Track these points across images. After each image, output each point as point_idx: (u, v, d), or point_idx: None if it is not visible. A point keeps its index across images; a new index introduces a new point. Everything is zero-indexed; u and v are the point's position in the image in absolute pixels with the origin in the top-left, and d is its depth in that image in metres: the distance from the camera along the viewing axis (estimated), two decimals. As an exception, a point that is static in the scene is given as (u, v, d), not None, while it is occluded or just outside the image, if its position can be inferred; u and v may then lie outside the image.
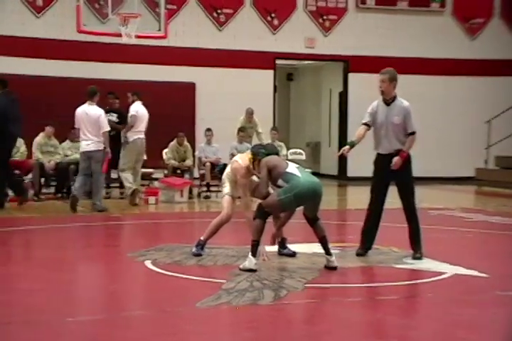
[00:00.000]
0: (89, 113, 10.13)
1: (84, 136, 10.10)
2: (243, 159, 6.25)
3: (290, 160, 6.33)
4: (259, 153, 6.05)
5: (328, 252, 5.81)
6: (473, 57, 17.20)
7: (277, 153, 6.21)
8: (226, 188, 6.37)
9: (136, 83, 14.33)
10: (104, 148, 10.11)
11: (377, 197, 6.50)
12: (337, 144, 18.25)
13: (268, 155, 6.00)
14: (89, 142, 10.04)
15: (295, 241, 6.79)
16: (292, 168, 5.80)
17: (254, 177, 6.21)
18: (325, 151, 19.02)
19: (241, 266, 5.68)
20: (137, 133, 11.10)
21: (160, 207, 11.01)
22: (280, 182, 5.77)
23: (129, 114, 11.24)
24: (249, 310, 4.51)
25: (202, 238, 6.37)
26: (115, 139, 11.34)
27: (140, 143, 11.16)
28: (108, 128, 10.31)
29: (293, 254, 6.36)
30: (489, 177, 15.15)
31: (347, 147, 6.43)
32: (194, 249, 6.34)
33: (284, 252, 6.39)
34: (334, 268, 5.75)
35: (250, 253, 5.63)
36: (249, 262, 5.62)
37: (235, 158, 6.42)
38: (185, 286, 5.23)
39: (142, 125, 11.23)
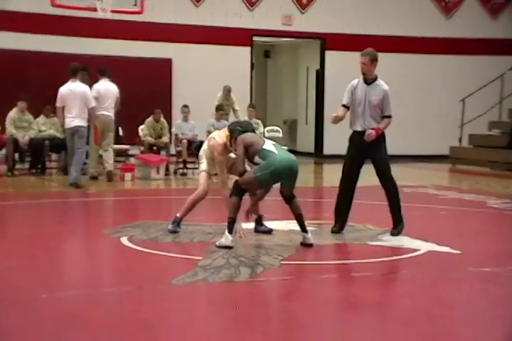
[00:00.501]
0: (75, 90, 10.09)
1: (70, 113, 10.05)
2: (220, 136, 6.21)
3: (267, 138, 6.30)
4: (235, 130, 6.01)
5: (304, 229, 5.82)
6: (449, 35, 17.21)
7: (253, 130, 6.15)
8: (203, 165, 6.34)
9: (112, 59, 14.14)
10: (89, 124, 10.16)
11: (351, 175, 6.51)
12: (313, 122, 18.25)
13: (244, 132, 5.95)
14: (74, 119, 10.01)
15: (272, 219, 6.78)
16: (269, 145, 5.77)
17: (232, 155, 6.18)
18: (302, 129, 19.01)
19: (217, 243, 5.67)
20: (101, 110, 10.91)
21: (136, 184, 10.95)
22: (257, 159, 5.74)
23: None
24: (225, 287, 4.50)
25: (178, 215, 6.34)
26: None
27: (104, 120, 10.98)
28: (94, 104, 10.25)
29: (269, 231, 6.36)
30: (463, 156, 15.25)
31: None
32: (170, 226, 6.31)
33: (260, 229, 6.39)
34: (310, 245, 5.77)
35: (227, 230, 5.62)
36: (226, 239, 5.61)
37: (212, 135, 6.38)
38: (162, 263, 5.21)
39: (107, 102, 11.07)
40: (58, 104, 10.13)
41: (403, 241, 6.12)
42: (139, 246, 5.67)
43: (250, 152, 5.79)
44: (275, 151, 5.70)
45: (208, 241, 5.89)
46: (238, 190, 5.70)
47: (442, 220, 7.74)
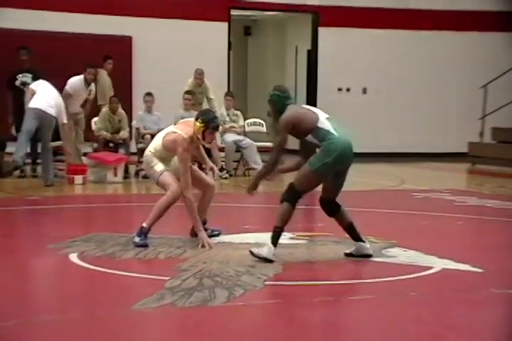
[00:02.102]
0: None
1: (47, 102, 10.61)
2: (183, 129, 6.29)
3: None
4: (274, 99, 5.81)
5: (359, 238, 5.94)
6: (464, 8, 17.33)
7: (292, 97, 5.96)
8: (158, 166, 6.40)
9: (57, 35, 14.11)
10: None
11: None
12: (304, 113, 18.27)
13: (285, 101, 5.77)
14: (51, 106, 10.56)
15: (253, 230, 6.80)
16: (324, 122, 5.68)
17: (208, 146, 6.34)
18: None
19: (255, 251, 5.74)
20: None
21: (89, 188, 10.92)
22: (310, 137, 5.68)
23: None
24: (197, 313, 4.50)
25: (145, 224, 6.35)
26: None
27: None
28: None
29: (217, 235, 6.62)
30: (484, 154, 15.34)
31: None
32: (137, 239, 6.31)
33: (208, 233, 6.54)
34: (369, 256, 5.92)
35: (270, 241, 5.68)
36: (268, 251, 5.67)
37: (169, 129, 6.42)
38: (120, 285, 5.20)
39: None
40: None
41: (413, 257, 6.15)
42: (91, 264, 5.65)
43: (300, 131, 5.69)
44: (333, 131, 5.65)
45: (176, 258, 5.89)
46: (292, 195, 5.69)
47: (460, 232, 7.79)
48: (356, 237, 6.00)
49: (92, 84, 12.06)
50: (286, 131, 5.68)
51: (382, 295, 5.02)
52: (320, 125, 5.68)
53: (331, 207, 5.94)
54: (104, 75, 13.04)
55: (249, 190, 5.99)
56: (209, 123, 6.16)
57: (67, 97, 11.55)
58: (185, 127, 6.32)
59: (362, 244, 5.99)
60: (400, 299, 4.98)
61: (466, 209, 9.03)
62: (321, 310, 4.70)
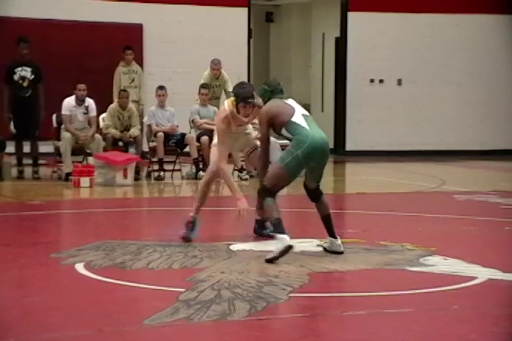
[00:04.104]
0: None
1: None
2: (228, 103, 6.69)
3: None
4: (262, 93, 6.44)
5: (332, 234, 6.32)
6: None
7: (282, 91, 6.53)
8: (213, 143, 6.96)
9: (66, 24, 14.19)
10: None
11: None
12: (332, 108, 18.27)
13: (271, 94, 6.41)
14: None
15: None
16: (299, 117, 6.22)
17: (249, 129, 6.87)
18: (316, 117, 18.94)
19: (270, 256, 5.97)
20: None
21: (96, 192, 10.97)
22: (284, 131, 6.19)
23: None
24: (215, 328, 4.49)
25: (192, 214, 6.76)
26: (31, 101, 11.74)
27: None
28: None
29: (271, 236, 6.65)
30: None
31: None
32: (184, 233, 6.67)
33: (259, 232, 6.98)
34: (340, 253, 6.29)
35: (277, 233, 5.99)
36: (281, 241, 5.92)
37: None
38: (131, 297, 5.21)
39: None
40: None
41: (454, 266, 6.12)
42: (99, 274, 5.67)
43: (277, 124, 6.23)
44: (306, 126, 6.15)
45: (192, 267, 5.90)
46: (267, 192, 6.14)
47: (507, 238, 7.74)
48: (330, 232, 6.35)
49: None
50: (265, 123, 6.29)
51: (420, 309, 5.00)
52: (294, 119, 6.19)
53: (313, 193, 6.38)
54: (119, 72, 13.28)
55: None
56: (240, 95, 6.47)
57: (67, 120, 11.71)
58: (230, 102, 6.68)
59: (333, 240, 6.34)
60: (440, 314, 4.95)
61: (514, 213, 8.99)
62: (351, 325, 4.68)
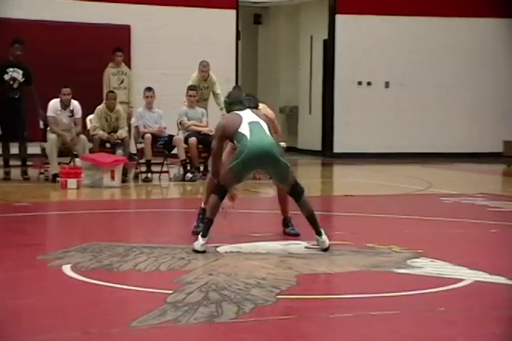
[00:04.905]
0: None
1: None
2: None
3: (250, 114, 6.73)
4: (225, 105, 6.92)
5: (316, 230, 6.50)
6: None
7: (241, 102, 6.77)
8: None
9: (53, 25, 14.17)
10: None
11: None
12: (320, 110, 18.29)
13: (231, 106, 6.74)
14: None
15: (265, 239, 6.78)
16: (244, 127, 6.46)
17: None
18: (304, 119, 19.05)
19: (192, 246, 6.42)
20: None
21: (83, 193, 10.94)
22: (236, 143, 6.52)
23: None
24: (203, 330, 4.49)
25: (202, 205, 7.04)
26: (19, 103, 11.78)
27: None
28: None
29: (297, 234, 7.08)
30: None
31: None
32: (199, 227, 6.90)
33: (287, 231, 7.15)
34: (326, 250, 6.46)
35: (201, 233, 6.39)
36: (197, 243, 6.37)
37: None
38: (118, 299, 5.20)
39: None
40: None
41: (441, 268, 6.14)
42: (86, 276, 5.66)
43: (228, 137, 6.59)
44: (247, 135, 6.41)
45: (180, 269, 5.90)
46: (219, 188, 6.45)
47: (493, 241, 7.76)
48: (314, 229, 6.54)
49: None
50: (217, 137, 6.69)
51: (407, 311, 5.01)
52: (240, 129, 6.47)
53: (290, 194, 6.62)
54: (108, 74, 13.27)
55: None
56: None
57: (53, 122, 11.71)
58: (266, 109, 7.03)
59: (317, 237, 6.53)
60: (427, 315, 4.96)
61: (501, 216, 9.01)
62: (339, 327, 4.69)
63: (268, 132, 6.55)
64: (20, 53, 12.20)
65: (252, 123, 6.51)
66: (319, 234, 6.52)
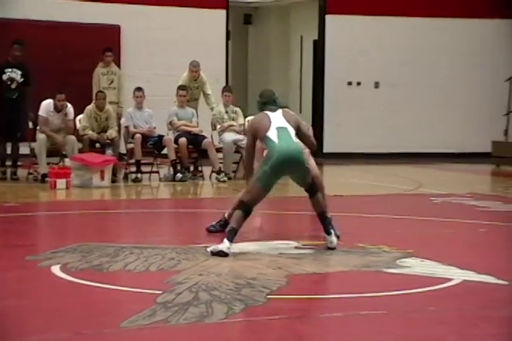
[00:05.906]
0: None
1: None
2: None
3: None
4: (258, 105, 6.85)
5: (326, 231, 6.61)
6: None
7: (275, 101, 6.80)
8: None
9: (42, 24, 14.14)
10: None
11: None
12: (310, 110, 18.30)
13: (264, 106, 6.74)
14: None
15: (254, 239, 6.78)
16: (273, 131, 6.44)
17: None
18: (294, 119, 19.03)
19: (210, 248, 6.30)
20: None
21: (73, 194, 10.92)
22: (264, 145, 6.56)
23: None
24: (193, 331, 4.49)
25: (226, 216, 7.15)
26: (17, 103, 11.76)
27: None
28: None
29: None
30: (510, 154, 15.34)
31: None
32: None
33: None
34: (332, 249, 6.59)
35: (226, 238, 6.28)
36: (222, 245, 6.24)
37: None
38: (108, 300, 5.19)
39: None
40: None
41: (430, 267, 6.15)
42: (76, 277, 5.65)
43: (259, 138, 6.58)
44: (275, 140, 6.40)
45: (169, 270, 5.89)
46: (243, 207, 6.40)
47: (482, 240, 7.78)
48: (324, 229, 6.65)
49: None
50: (249, 136, 6.75)
51: (397, 311, 5.02)
52: (268, 134, 6.49)
53: (307, 191, 6.67)
54: (98, 74, 13.25)
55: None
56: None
57: (44, 122, 11.69)
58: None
59: (326, 236, 6.63)
60: (418, 315, 4.98)
61: (490, 215, 9.03)
62: (329, 327, 4.69)
63: (294, 138, 6.58)
64: (18, 54, 12.18)
65: (280, 129, 6.53)
66: (328, 233, 6.63)
